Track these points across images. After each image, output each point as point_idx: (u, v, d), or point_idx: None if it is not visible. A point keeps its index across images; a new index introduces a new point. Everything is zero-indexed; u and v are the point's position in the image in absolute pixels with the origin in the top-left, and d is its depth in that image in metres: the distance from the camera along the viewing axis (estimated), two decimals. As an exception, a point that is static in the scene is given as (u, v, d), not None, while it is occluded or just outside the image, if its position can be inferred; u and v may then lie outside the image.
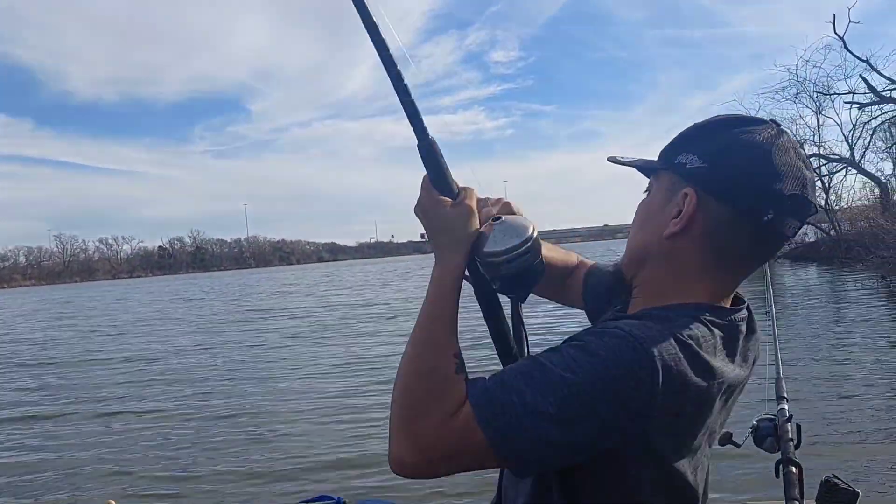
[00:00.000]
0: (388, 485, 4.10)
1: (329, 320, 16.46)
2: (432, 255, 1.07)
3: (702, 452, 0.97)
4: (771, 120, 0.99)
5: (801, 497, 1.61)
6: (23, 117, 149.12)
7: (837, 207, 25.38)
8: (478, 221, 1.06)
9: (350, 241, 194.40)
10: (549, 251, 1.29)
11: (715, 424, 0.98)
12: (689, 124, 1.05)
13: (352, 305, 19.96)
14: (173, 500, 4.27)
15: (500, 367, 1.00)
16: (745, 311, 1.02)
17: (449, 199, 1.05)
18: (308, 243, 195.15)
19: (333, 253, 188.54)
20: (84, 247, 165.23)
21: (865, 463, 4.05)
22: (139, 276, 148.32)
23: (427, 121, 1.04)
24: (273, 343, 12.34)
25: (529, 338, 1.14)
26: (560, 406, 0.84)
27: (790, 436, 1.65)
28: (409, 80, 1.01)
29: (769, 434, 1.67)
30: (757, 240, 0.97)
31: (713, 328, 0.94)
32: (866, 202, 26.29)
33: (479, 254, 1.04)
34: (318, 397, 6.96)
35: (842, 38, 22.40)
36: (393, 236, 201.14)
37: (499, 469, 1.16)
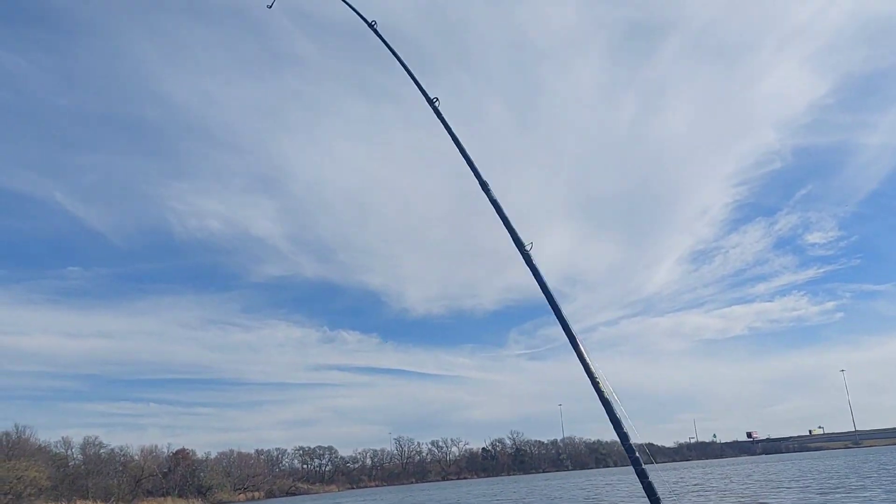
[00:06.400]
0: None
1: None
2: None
3: None
4: None
5: None
6: (371, 333, 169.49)
7: None
8: None
9: (668, 441, 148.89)
10: None
11: None
12: None
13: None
14: None
15: None
16: None
17: None
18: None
19: (651, 454, 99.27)
20: (418, 449, 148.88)
21: None
22: (465, 478, 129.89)
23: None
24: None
25: None
26: None
27: None
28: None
29: None
30: None
31: None
32: None
33: None
34: None
35: None
36: (715, 435, 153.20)
37: None
